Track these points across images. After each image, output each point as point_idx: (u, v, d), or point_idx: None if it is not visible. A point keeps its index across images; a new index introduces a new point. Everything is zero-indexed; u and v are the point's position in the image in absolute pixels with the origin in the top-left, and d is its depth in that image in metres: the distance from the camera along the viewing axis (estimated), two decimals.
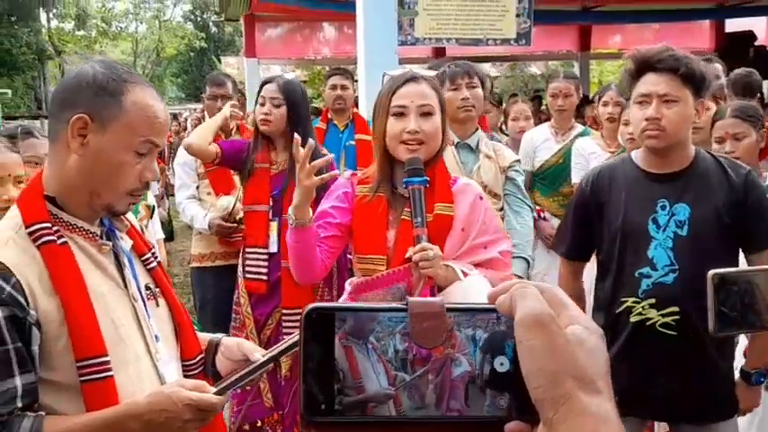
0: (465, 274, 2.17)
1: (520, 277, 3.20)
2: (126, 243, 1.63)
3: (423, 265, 2.10)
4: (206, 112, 4.70)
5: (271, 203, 3.39)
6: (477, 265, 2.25)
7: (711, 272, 1.30)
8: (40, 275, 1.43)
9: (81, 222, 1.53)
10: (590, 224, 2.57)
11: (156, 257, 1.69)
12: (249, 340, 3.36)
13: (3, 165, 2.34)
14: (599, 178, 2.57)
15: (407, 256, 2.14)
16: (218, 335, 1.78)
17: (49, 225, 1.47)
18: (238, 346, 1.69)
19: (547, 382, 0.55)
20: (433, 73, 2.61)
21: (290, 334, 3.30)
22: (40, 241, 1.45)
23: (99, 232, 1.56)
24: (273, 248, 3.36)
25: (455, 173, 3.01)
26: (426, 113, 2.26)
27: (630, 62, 2.44)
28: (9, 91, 25.08)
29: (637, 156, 2.55)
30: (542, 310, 0.58)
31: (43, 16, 34.06)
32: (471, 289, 2.12)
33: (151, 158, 1.55)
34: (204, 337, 1.77)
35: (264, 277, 3.36)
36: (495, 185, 3.24)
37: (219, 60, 28.74)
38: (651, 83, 2.37)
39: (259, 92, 3.49)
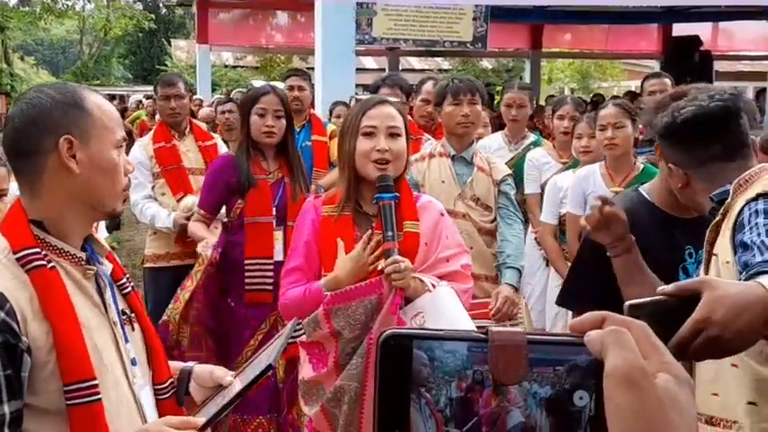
0: (434, 286, 2.28)
1: (511, 292, 3.22)
2: (106, 268, 1.65)
3: (394, 277, 2.19)
4: (158, 113, 4.65)
5: (274, 213, 3.41)
6: (440, 277, 2.35)
7: (626, 303, 1.32)
8: (30, 301, 1.45)
9: (68, 247, 1.54)
10: (610, 275, 2.12)
11: (130, 283, 1.71)
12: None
13: None
14: None
15: (380, 268, 2.23)
16: (190, 363, 1.82)
17: (38, 250, 1.48)
18: (210, 374, 1.72)
19: None
20: (397, 99, 2.72)
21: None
22: (29, 266, 1.46)
23: (84, 257, 1.57)
24: (279, 257, 3.33)
25: (451, 184, 3.26)
26: (395, 134, 2.38)
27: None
28: None
29: (653, 195, 2.29)
30: (634, 366, 0.54)
31: None
32: (440, 297, 2.25)
33: (123, 152, 1.61)
34: (176, 366, 1.80)
35: (270, 287, 3.34)
36: (488, 198, 3.36)
37: (170, 43, 28.26)
38: None
39: (251, 102, 3.46)
